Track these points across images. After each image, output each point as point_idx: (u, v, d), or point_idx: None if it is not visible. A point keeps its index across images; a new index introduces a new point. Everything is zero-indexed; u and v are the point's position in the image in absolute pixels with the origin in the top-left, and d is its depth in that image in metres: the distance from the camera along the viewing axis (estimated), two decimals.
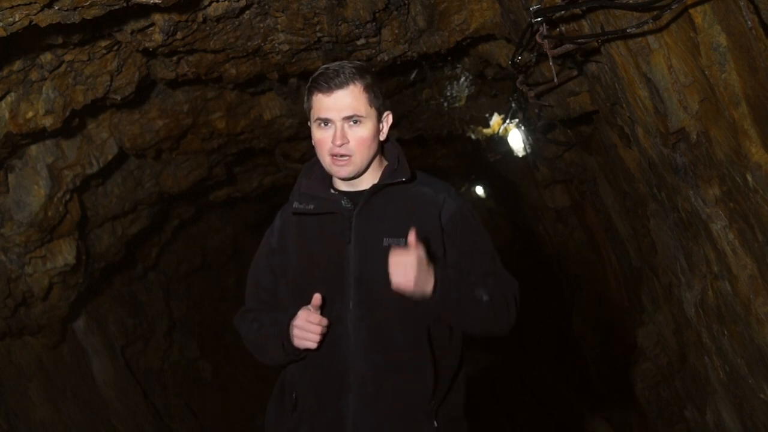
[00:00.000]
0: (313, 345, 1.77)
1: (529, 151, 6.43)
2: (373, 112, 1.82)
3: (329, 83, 1.77)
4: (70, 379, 6.23)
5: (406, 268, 1.65)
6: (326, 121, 1.80)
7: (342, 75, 1.78)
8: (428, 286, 1.68)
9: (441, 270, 1.73)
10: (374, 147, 1.85)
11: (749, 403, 3.40)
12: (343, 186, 1.90)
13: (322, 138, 1.81)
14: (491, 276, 1.83)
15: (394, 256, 1.67)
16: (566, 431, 7.37)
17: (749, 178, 2.68)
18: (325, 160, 1.83)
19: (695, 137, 2.97)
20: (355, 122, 1.79)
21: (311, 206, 1.88)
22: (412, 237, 1.67)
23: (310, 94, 1.82)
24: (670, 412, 4.91)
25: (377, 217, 1.84)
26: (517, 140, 6.39)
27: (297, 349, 1.80)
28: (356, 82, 1.79)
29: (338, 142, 1.78)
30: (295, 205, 1.90)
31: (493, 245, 1.92)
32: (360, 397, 1.81)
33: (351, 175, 1.84)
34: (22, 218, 4.48)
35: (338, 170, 1.82)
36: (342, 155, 1.79)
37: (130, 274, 7.74)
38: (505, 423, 7.88)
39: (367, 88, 1.80)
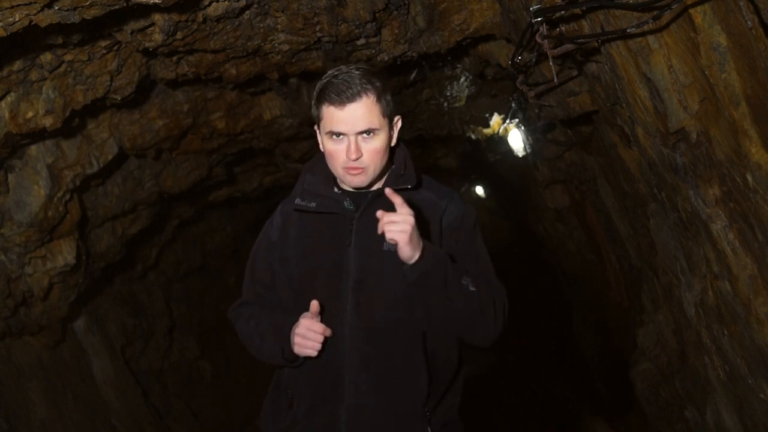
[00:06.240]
0: (313, 353, 1.76)
1: (529, 151, 6.43)
2: (385, 122, 1.79)
3: (341, 96, 1.72)
4: (70, 379, 6.23)
5: (401, 219, 1.62)
6: (339, 134, 1.76)
7: (354, 87, 1.73)
8: (418, 248, 1.65)
9: (430, 244, 1.72)
10: (386, 155, 1.84)
11: (749, 403, 3.40)
12: (347, 185, 1.89)
13: (335, 150, 1.78)
14: (482, 278, 1.81)
15: (386, 215, 1.64)
16: (566, 431, 7.37)
17: (749, 178, 2.68)
18: (338, 171, 1.81)
19: (695, 137, 2.97)
20: (369, 134, 1.76)
21: (313, 204, 1.87)
22: (397, 199, 1.63)
23: (320, 104, 1.78)
24: (670, 412, 4.90)
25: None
26: (517, 140, 6.40)
27: (296, 356, 1.80)
28: (368, 93, 1.74)
29: (353, 156, 1.75)
30: (297, 201, 1.89)
31: (488, 255, 1.90)
32: (354, 399, 1.80)
33: (364, 185, 1.83)
34: (22, 218, 4.48)
35: (352, 180, 1.80)
36: (356, 167, 1.78)
37: (130, 274, 7.74)
38: (504, 423, 7.88)
39: (379, 98, 1.77)
